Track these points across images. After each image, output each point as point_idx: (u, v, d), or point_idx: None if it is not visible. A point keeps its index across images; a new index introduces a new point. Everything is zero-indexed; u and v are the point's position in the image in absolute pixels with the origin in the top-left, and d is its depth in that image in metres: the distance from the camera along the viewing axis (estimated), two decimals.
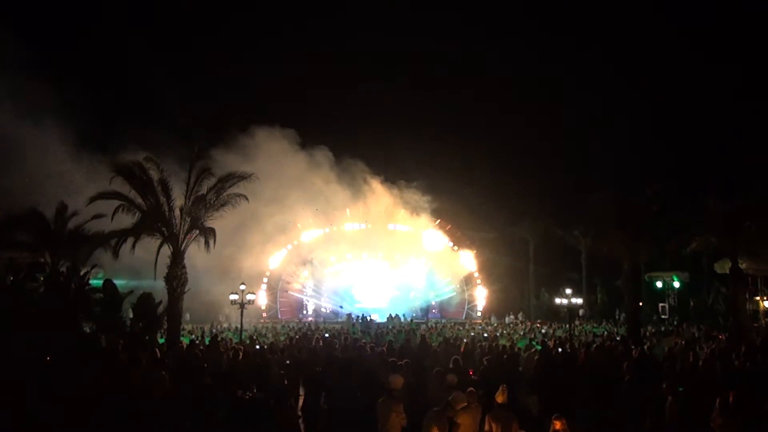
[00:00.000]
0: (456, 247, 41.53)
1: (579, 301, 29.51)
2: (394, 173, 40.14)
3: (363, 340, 18.35)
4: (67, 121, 29.15)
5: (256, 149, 34.00)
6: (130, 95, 48.86)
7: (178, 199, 19.89)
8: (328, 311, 41.99)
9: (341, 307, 41.20)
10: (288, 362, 13.27)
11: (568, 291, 25.54)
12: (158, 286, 19.67)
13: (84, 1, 50.89)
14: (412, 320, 36.15)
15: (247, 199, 20.80)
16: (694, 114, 53.54)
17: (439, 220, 41.27)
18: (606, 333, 27.26)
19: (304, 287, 42.78)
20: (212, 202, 20.18)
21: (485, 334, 24.86)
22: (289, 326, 31.82)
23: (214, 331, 27.10)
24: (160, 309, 18.08)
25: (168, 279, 19.60)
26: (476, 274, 41.84)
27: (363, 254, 42.15)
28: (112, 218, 19.35)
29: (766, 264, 30.38)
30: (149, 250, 19.87)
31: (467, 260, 41.52)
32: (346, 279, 42.55)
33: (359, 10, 58.64)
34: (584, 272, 43.35)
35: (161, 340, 17.79)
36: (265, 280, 39.38)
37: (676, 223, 25.60)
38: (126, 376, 10.46)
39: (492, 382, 8.95)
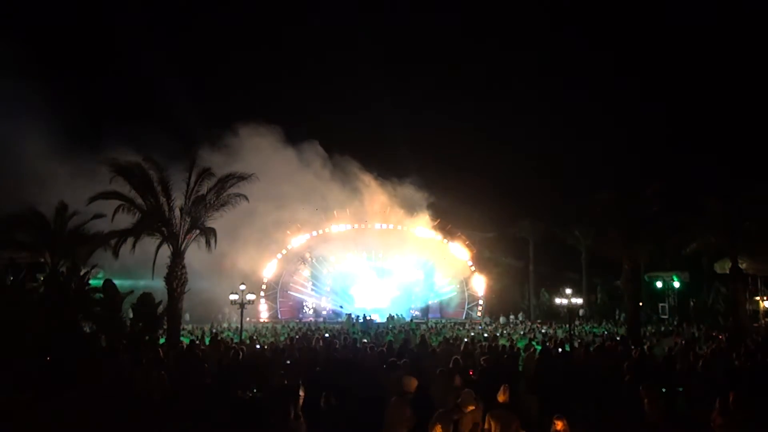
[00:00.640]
0: (456, 247, 41.51)
1: (579, 301, 29.49)
2: (394, 173, 40.20)
3: (363, 340, 18.36)
4: (68, 121, 29.19)
5: (254, 149, 34.06)
6: (129, 95, 48.94)
7: (178, 199, 19.90)
8: (328, 311, 41.99)
9: (341, 307, 41.19)
10: (288, 362, 13.26)
11: (568, 291, 25.51)
12: (158, 286, 19.68)
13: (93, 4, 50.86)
14: (411, 320, 36.16)
15: (247, 199, 20.81)
16: (695, 114, 53.64)
17: (439, 220, 41.30)
18: (606, 333, 27.27)
19: (304, 287, 42.79)
20: (212, 202, 20.19)
21: (485, 334, 24.88)
22: (289, 326, 31.83)
23: (214, 331, 27.11)
24: (160, 309, 18.09)
25: (168, 279, 19.61)
26: (476, 274, 41.81)
27: (363, 254, 42.16)
28: (112, 218, 19.37)
29: (766, 264, 30.38)
30: (149, 251, 19.87)
31: (467, 260, 41.51)
32: (346, 279, 42.54)
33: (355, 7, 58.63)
34: (584, 272, 43.32)
35: (161, 340, 17.79)
36: (265, 280, 39.36)
37: (676, 223, 25.58)
38: (126, 376, 10.47)
39: (492, 382, 8.94)
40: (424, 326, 32.13)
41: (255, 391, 10.58)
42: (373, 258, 42.58)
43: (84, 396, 9.47)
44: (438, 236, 41.13)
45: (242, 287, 22.51)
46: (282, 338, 22.12)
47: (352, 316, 35.54)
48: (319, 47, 67.59)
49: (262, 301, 38.99)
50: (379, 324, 32.71)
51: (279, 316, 40.56)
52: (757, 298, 33.31)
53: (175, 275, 19.64)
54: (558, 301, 27.05)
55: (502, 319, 38.31)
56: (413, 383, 7.93)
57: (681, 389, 11.41)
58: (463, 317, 40.75)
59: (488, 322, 36.13)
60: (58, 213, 21.84)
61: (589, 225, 33.24)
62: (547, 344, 16.64)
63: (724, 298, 32.18)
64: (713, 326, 28.48)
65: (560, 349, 15.58)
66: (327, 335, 21.40)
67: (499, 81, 61.83)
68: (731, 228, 24.29)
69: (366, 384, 10.40)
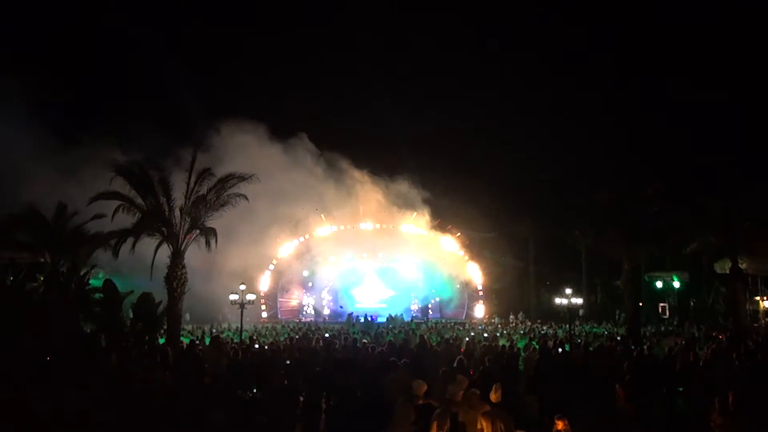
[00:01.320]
0: (456, 247, 41.51)
1: (579, 301, 29.48)
2: (393, 173, 40.15)
3: (363, 341, 18.35)
4: (67, 121, 29.21)
5: (257, 147, 34.09)
6: (130, 95, 48.95)
7: (178, 199, 19.89)
8: (328, 311, 42.00)
9: (341, 307, 41.20)
10: (288, 362, 13.26)
11: (568, 291, 25.53)
12: (158, 286, 19.67)
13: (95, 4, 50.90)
14: (411, 320, 36.15)
15: (247, 199, 20.81)
16: (695, 114, 53.66)
17: (439, 220, 41.31)
18: (606, 333, 27.27)
19: (304, 287, 42.79)
20: (212, 202, 20.19)
21: (485, 334, 24.88)
22: (289, 326, 31.83)
23: (214, 331, 27.11)
24: (160, 309, 18.10)
25: (168, 279, 19.61)
26: (476, 274, 41.81)
27: (363, 254, 42.16)
28: (112, 218, 19.38)
29: (766, 264, 30.39)
30: (149, 251, 19.86)
31: (467, 260, 41.51)
32: (346, 279, 42.54)
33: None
34: (584, 272, 43.32)
35: (161, 340, 17.80)
36: (266, 280, 39.35)
37: (676, 223, 25.59)
38: (128, 377, 10.47)
39: (492, 382, 8.94)
40: (424, 326, 32.13)
41: (255, 391, 10.58)
42: (373, 258, 42.59)
43: (84, 396, 9.47)
44: (437, 236, 41.15)
45: (242, 287, 22.53)
46: (282, 338, 22.12)
47: (353, 316, 35.56)
48: (318, 47, 67.57)
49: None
50: (379, 324, 32.73)
51: (279, 316, 40.57)
52: (757, 298, 33.33)
53: (175, 275, 19.64)
54: (558, 301, 27.07)
55: (496, 319, 38.32)
56: (422, 387, 7.90)
57: (681, 389, 11.41)
58: (463, 317, 40.77)
59: (490, 322, 36.10)
60: (58, 213, 21.85)
61: (589, 225, 33.24)
62: (548, 344, 16.63)
63: (724, 298, 32.13)
64: (713, 326, 28.48)
65: (560, 349, 15.57)
66: (327, 335, 21.41)
67: (499, 81, 61.78)
68: (731, 228, 24.29)
69: (366, 384, 10.41)
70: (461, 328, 30.80)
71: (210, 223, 20.11)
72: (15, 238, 21.55)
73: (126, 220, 19.39)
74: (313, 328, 29.18)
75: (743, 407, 7.65)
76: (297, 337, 20.91)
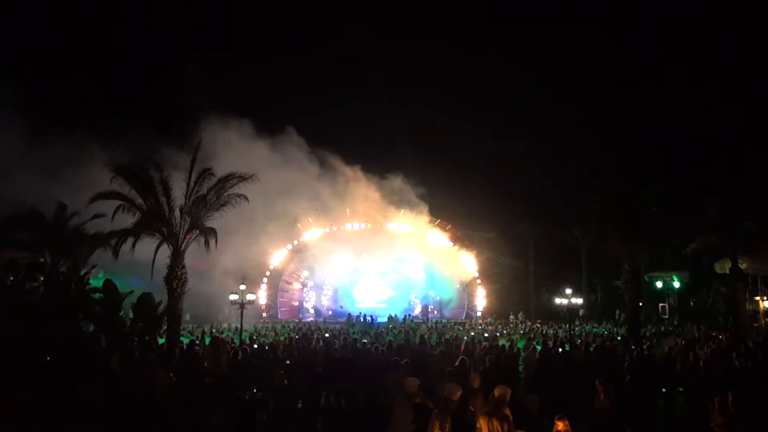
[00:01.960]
0: (456, 247, 41.50)
1: (579, 301, 29.49)
2: (393, 173, 40.16)
3: (363, 341, 18.34)
4: (67, 122, 29.21)
5: (256, 147, 34.09)
6: (129, 95, 48.94)
7: (178, 199, 19.87)
8: (328, 311, 41.99)
9: (341, 307, 41.20)
10: (288, 362, 13.26)
11: (568, 291, 25.51)
12: (158, 286, 19.66)
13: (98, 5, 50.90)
14: (412, 320, 36.14)
15: (247, 199, 20.77)
16: (695, 114, 53.61)
17: (439, 220, 41.30)
18: (606, 333, 27.25)
19: (304, 287, 42.78)
20: (212, 202, 20.16)
21: (485, 334, 24.87)
22: (289, 326, 31.82)
23: (214, 331, 27.11)
24: (160, 309, 18.10)
25: (168, 279, 19.59)
26: (476, 274, 41.81)
27: (363, 254, 42.15)
28: (112, 218, 19.35)
29: (766, 264, 30.35)
30: (149, 251, 19.84)
31: (467, 260, 41.51)
32: (346, 279, 42.54)
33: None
34: (584, 272, 43.32)
35: (161, 340, 17.80)
36: (265, 280, 39.38)
37: (676, 223, 25.56)
38: (128, 376, 10.47)
39: (492, 382, 8.94)
40: (424, 326, 32.13)
41: (255, 391, 10.57)
42: (373, 258, 42.57)
43: (84, 396, 9.47)
44: (443, 238, 41.14)
45: (242, 287, 22.51)
46: (282, 338, 22.11)
47: (353, 316, 35.55)
48: (319, 47, 67.57)
49: (263, 293, 39.01)
50: (379, 324, 32.73)
51: (279, 316, 40.57)
52: (757, 298, 33.29)
53: (175, 275, 19.62)
54: (558, 301, 27.06)
55: (489, 319, 38.27)
56: (415, 384, 7.93)
57: (681, 389, 11.41)
58: (463, 317, 40.76)
59: (490, 322, 36.06)
60: (58, 213, 21.86)
61: (589, 225, 33.23)
62: (548, 343, 16.63)
63: (724, 298, 32.15)
64: (713, 326, 28.47)
65: (560, 349, 15.57)
66: (327, 335, 21.40)
67: (499, 81, 61.88)
68: (731, 228, 24.27)
69: (366, 384, 10.41)
70: (461, 328, 30.80)
71: (209, 223, 20.10)
72: (15, 238, 21.55)
73: (126, 220, 19.37)
74: (313, 328, 29.19)
75: (743, 407, 7.65)
76: (297, 337, 20.89)
